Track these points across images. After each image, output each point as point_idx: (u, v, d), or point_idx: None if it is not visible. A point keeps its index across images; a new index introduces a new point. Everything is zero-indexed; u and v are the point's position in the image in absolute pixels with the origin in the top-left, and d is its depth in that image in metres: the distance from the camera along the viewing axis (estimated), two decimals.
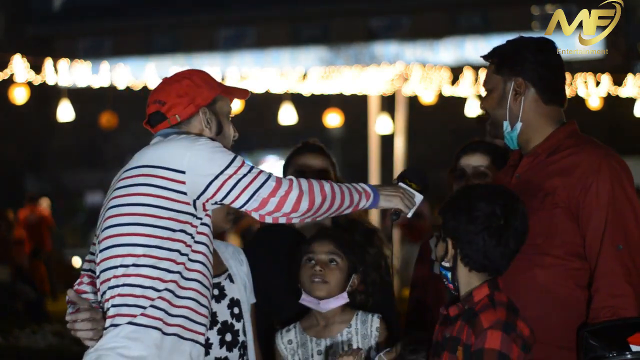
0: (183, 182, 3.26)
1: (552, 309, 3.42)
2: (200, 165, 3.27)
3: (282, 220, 3.39)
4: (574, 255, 3.45)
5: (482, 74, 17.25)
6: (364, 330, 3.84)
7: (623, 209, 3.44)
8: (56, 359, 9.64)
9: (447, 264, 3.32)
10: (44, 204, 17.83)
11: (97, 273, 3.34)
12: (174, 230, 3.27)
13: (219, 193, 3.29)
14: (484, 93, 3.70)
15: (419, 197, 3.69)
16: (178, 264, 3.26)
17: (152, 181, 3.28)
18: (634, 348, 3.30)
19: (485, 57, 3.73)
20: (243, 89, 3.66)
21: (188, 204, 3.28)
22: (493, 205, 3.26)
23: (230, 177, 3.29)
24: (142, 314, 3.20)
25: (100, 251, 3.32)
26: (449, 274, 3.32)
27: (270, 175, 3.35)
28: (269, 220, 3.39)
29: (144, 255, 3.24)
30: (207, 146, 3.31)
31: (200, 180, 3.27)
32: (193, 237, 3.30)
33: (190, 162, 3.27)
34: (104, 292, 3.30)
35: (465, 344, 3.15)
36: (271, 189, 3.32)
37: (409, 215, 3.61)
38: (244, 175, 3.31)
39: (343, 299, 3.86)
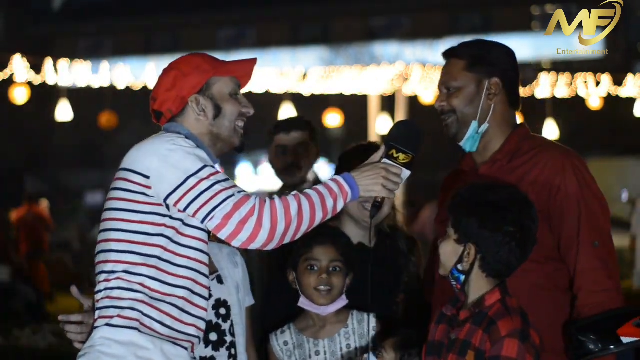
0: (149, 187, 3.20)
1: (534, 314, 3.32)
2: (164, 172, 3.18)
3: (251, 247, 3.17)
4: (548, 258, 3.44)
5: None
6: (361, 329, 3.83)
7: (592, 206, 3.44)
8: (56, 359, 9.65)
9: (461, 268, 3.23)
10: (43, 204, 17.79)
11: None
12: (149, 235, 3.21)
13: (181, 203, 3.17)
14: (443, 90, 3.60)
15: (405, 173, 3.33)
16: (158, 269, 3.21)
17: (124, 185, 3.24)
18: (625, 340, 3.30)
19: (449, 53, 3.63)
20: (245, 61, 3.43)
21: (160, 205, 3.20)
22: (520, 216, 3.18)
23: (191, 189, 3.15)
24: (118, 316, 3.20)
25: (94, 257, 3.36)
26: (462, 277, 3.23)
27: (232, 194, 3.15)
28: (236, 245, 3.18)
29: (117, 262, 3.22)
30: (177, 152, 3.19)
31: (163, 187, 3.18)
32: (172, 240, 3.22)
33: (156, 167, 3.19)
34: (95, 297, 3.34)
35: (479, 349, 3.11)
36: (227, 210, 3.13)
37: (392, 196, 3.31)
38: (204, 190, 3.15)
39: (343, 301, 3.82)
